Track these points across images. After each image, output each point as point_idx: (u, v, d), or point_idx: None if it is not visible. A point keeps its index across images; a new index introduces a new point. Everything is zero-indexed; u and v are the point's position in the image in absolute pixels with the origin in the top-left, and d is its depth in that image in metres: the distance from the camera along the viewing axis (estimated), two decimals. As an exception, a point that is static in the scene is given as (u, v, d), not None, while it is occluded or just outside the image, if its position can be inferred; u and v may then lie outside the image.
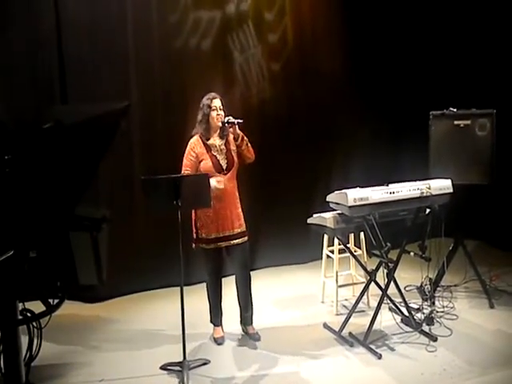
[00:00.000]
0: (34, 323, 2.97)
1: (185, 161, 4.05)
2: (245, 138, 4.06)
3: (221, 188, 3.94)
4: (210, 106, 4.02)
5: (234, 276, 4.24)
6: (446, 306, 4.59)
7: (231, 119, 3.99)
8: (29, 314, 2.76)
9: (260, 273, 5.70)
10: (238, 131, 4.01)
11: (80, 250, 2.78)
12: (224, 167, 4.04)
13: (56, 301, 2.80)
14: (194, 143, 4.07)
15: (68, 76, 4.90)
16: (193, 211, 4.08)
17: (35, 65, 4.83)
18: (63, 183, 2.61)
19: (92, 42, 4.88)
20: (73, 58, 4.87)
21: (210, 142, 4.06)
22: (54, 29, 4.82)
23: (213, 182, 3.87)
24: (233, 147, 4.10)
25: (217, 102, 4.04)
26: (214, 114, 4.02)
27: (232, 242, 4.08)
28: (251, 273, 4.28)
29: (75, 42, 4.86)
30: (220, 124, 4.04)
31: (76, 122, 2.66)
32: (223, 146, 4.07)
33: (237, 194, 4.14)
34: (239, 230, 4.10)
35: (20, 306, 2.76)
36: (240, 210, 4.15)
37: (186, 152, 4.06)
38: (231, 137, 4.10)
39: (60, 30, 4.83)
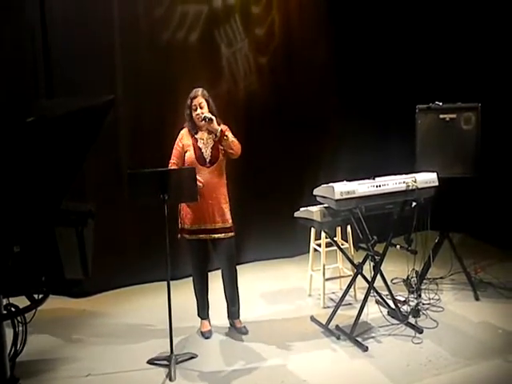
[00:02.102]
0: (19, 318, 2.94)
1: (173, 151, 4.12)
2: (226, 133, 4.01)
3: (201, 181, 3.93)
4: (189, 107, 4.06)
5: (220, 270, 4.24)
6: (432, 299, 4.63)
7: (205, 115, 3.97)
8: (13, 309, 2.74)
9: (247, 267, 5.71)
10: (216, 127, 3.97)
11: (65, 245, 2.76)
12: (207, 160, 4.03)
13: (41, 296, 2.78)
14: (183, 134, 4.13)
15: (53, 69, 4.85)
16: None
17: (20, 58, 4.77)
18: (48, 177, 2.59)
19: (78, 35, 4.82)
20: (58, 51, 4.82)
21: (197, 136, 4.09)
22: (39, 22, 4.76)
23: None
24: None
25: (196, 101, 4.03)
26: (194, 113, 4.05)
27: (214, 235, 4.08)
28: (239, 267, 4.29)
29: (61, 35, 4.80)
30: (201, 122, 4.02)
31: (61, 116, 2.63)
32: (210, 140, 4.06)
33: (222, 190, 4.11)
34: (222, 226, 4.08)
35: (4, 301, 2.73)
36: (225, 205, 4.12)
37: (176, 142, 4.12)
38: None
39: (45, 22, 4.77)
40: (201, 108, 4.03)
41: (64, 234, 2.72)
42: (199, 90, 4.07)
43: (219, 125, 4.02)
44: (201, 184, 3.91)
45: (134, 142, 5.17)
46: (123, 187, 4.83)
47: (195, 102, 4.03)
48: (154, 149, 4.86)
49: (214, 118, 3.97)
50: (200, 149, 4.05)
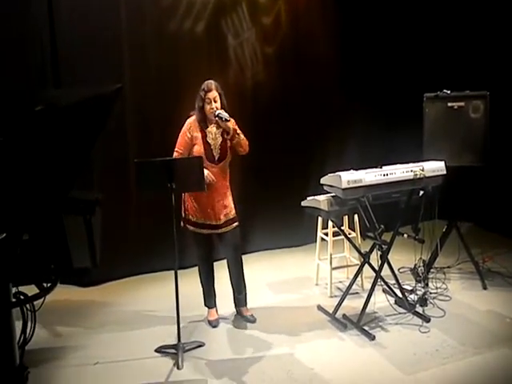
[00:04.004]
0: (28, 306, 2.96)
1: (180, 139, 4.03)
2: (238, 131, 4.00)
3: (213, 177, 3.92)
4: (203, 99, 3.95)
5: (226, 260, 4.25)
6: (439, 288, 4.63)
7: (221, 114, 3.91)
8: (22, 297, 2.75)
9: (254, 256, 5.72)
10: (230, 125, 3.94)
11: (73, 233, 2.77)
12: (216, 158, 4.01)
13: (49, 284, 2.79)
14: (193, 124, 4.02)
15: (60, 59, 4.84)
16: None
17: (27, 48, 4.76)
18: (56, 166, 2.59)
19: (84, 25, 4.81)
20: (65, 42, 4.81)
21: (207, 130, 4.02)
22: (46, 12, 4.75)
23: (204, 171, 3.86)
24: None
25: (211, 95, 3.94)
26: (207, 106, 3.95)
27: (218, 231, 4.09)
28: (246, 256, 4.30)
29: (67, 26, 4.79)
30: (213, 117, 3.96)
31: (69, 105, 2.63)
32: (219, 135, 4.02)
33: (227, 184, 4.11)
34: (225, 219, 4.08)
35: (13, 289, 2.75)
36: (229, 199, 4.12)
37: (183, 130, 4.03)
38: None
39: (52, 13, 4.76)
40: (215, 102, 3.94)
41: (72, 223, 2.73)
42: (213, 84, 3.97)
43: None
44: (213, 179, 3.91)
45: (141, 132, 5.17)
46: (131, 177, 4.85)
47: (210, 95, 3.93)
48: (160, 139, 4.85)
49: (231, 118, 3.92)
50: (209, 145, 3.99)
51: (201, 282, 4.29)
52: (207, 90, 3.95)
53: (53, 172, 2.56)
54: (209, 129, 4.02)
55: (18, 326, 2.98)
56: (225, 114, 3.91)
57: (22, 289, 2.89)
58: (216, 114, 3.92)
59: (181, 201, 4.10)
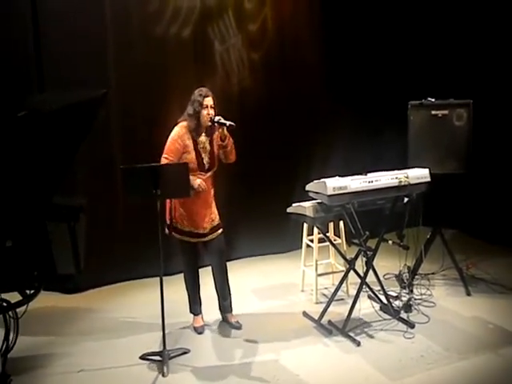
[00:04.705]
0: (10, 313, 2.93)
1: (170, 146, 3.91)
2: (230, 139, 3.99)
3: (204, 188, 3.92)
4: (201, 104, 3.89)
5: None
6: (424, 294, 4.66)
7: (222, 120, 3.88)
8: (4, 304, 2.72)
9: (240, 263, 5.71)
10: (226, 132, 3.92)
11: (57, 239, 2.76)
12: (206, 167, 3.99)
13: (33, 291, 2.77)
14: (183, 132, 3.94)
15: (45, 64, 4.80)
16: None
17: (11, 52, 4.73)
18: (40, 172, 2.58)
19: (69, 29, 4.78)
20: (50, 46, 4.78)
21: (199, 139, 3.98)
22: (30, 15, 4.72)
23: (197, 181, 3.87)
24: (216, 147, 4.04)
25: (208, 101, 3.90)
26: (204, 112, 3.90)
27: (203, 239, 4.08)
28: (231, 263, 4.30)
29: (52, 29, 4.77)
30: (209, 123, 3.93)
31: (53, 110, 2.63)
32: (207, 144, 4.00)
33: (212, 193, 4.11)
34: (211, 226, 4.08)
35: (-4, 296, 2.73)
36: (213, 206, 4.11)
37: (173, 137, 3.92)
38: (216, 135, 4.01)
39: (37, 16, 4.73)
40: (212, 108, 3.91)
41: (56, 229, 2.72)
42: (208, 90, 3.96)
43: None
44: (205, 188, 3.91)
45: (126, 137, 5.13)
46: (117, 181, 4.82)
47: (207, 101, 3.89)
48: (146, 143, 4.83)
49: (234, 124, 3.87)
50: (200, 154, 3.96)
51: (186, 288, 4.27)
52: (205, 95, 3.91)
53: (36, 178, 2.55)
54: (200, 138, 3.99)
55: (1, 333, 2.96)
56: (225, 121, 3.88)
57: (4, 296, 2.86)
58: (216, 119, 3.89)
59: (166, 207, 4.09)
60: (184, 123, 3.97)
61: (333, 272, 5.02)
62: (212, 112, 3.92)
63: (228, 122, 3.88)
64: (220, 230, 4.13)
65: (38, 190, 2.56)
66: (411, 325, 4.12)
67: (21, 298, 2.99)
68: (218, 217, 4.14)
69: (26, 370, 3.66)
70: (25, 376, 3.59)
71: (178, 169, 3.83)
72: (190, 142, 3.94)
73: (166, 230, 4.10)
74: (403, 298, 4.47)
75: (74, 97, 2.74)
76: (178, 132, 3.94)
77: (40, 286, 2.78)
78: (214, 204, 4.13)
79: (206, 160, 3.99)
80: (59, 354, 3.91)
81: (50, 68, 4.81)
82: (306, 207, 4.07)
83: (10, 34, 4.70)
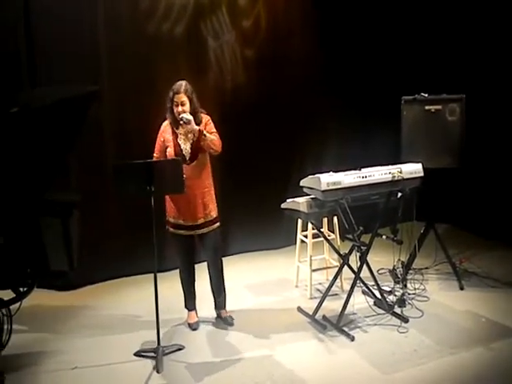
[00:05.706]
0: (4, 311, 2.93)
1: (156, 143, 4.07)
2: (204, 133, 3.91)
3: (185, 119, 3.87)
4: (172, 100, 3.93)
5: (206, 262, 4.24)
6: (418, 288, 4.68)
7: (184, 118, 3.85)
8: (-2, 302, 2.72)
9: (234, 259, 5.70)
10: (195, 127, 3.89)
11: (50, 236, 2.75)
12: (187, 157, 3.98)
13: (26, 288, 2.76)
14: (165, 127, 4.05)
15: (37, 61, 4.77)
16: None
17: (2, 49, 4.70)
18: (32, 168, 2.57)
19: (61, 25, 4.75)
20: (41, 43, 4.75)
21: (178, 131, 4.01)
22: (22, 12, 4.69)
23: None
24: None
25: (178, 97, 3.89)
26: (175, 109, 3.93)
27: (197, 231, 4.07)
28: (226, 259, 4.29)
29: (44, 26, 4.73)
30: (180, 120, 3.92)
31: (44, 106, 2.61)
32: (191, 135, 3.99)
33: (206, 183, 4.06)
34: (205, 220, 4.06)
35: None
36: (208, 198, 4.08)
37: (158, 134, 4.07)
38: (201, 126, 3.98)
39: (28, 13, 4.70)
40: (182, 105, 3.90)
41: (49, 225, 2.71)
42: (182, 86, 3.92)
43: (201, 122, 3.96)
44: (186, 118, 3.86)
45: (119, 134, 5.12)
46: (108, 179, 4.80)
47: (177, 98, 3.90)
48: (139, 140, 4.81)
49: (191, 118, 3.86)
50: (179, 145, 3.99)
51: (181, 283, 4.27)
52: (176, 92, 3.92)
53: (29, 174, 2.54)
54: (180, 130, 4.01)
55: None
56: (186, 116, 3.86)
57: (-3, 293, 2.86)
58: (179, 117, 3.90)
59: (163, 203, 4.09)
60: (167, 120, 4.06)
61: (327, 267, 5.03)
62: (181, 109, 3.90)
63: (185, 119, 3.84)
64: (216, 225, 4.12)
65: (31, 187, 2.55)
66: (405, 319, 4.13)
67: (14, 295, 2.99)
68: (215, 211, 4.12)
69: (19, 367, 3.65)
70: (18, 373, 3.58)
71: (170, 165, 3.84)
72: (170, 136, 4.01)
73: (166, 227, 4.13)
74: (397, 293, 4.48)
75: (65, 92, 2.73)
76: (161, 128, 4.07)
77: (33, 284, 2.77)
78: (209, 196, 4.09)
79: (186, 151, 3.98)
80: (53, 352, 3.91)
81: (41, 66, 4.78)
82: (300, 203, 4.08)
83: (1, 31, 4.66)
